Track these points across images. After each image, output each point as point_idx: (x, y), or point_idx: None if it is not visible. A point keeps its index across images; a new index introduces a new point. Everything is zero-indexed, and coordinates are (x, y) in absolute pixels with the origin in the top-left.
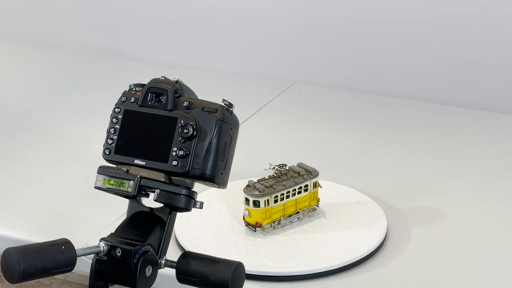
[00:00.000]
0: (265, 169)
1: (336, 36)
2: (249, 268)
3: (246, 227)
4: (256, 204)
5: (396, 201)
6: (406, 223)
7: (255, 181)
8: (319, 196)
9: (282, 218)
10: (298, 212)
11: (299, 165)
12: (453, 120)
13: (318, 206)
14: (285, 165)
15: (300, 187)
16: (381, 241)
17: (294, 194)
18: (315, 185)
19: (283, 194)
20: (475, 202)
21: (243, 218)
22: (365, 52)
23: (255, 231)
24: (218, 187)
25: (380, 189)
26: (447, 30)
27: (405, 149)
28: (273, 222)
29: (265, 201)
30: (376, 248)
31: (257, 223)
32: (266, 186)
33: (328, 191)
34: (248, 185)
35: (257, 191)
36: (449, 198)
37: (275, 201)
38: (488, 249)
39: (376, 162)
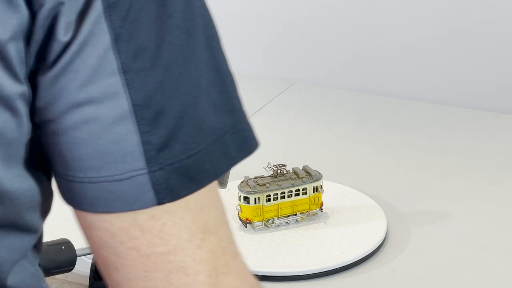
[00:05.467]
0: (263, 167)
1: (337, 36)
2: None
3: (243, 225)
4: (246, 200)
5: (396, 201)
6: (406, 223)
7: (251, 177)
8: (322, 200)
9: (276, 218)
10: (295, 214)
11: (304, 167)
12: (453, 120)
13: (321, 211)
14: (285, 165)
15: (298, 190)
16: (381, 241)
17: (291, 196)
18: (316, 189)
19: (277, 194)
20: (475, 202)
21: (237, 214)
22: (366, 52)
23: (246, 227)
24: (218, 187)
25: (380, 189)
26: (447, 30)
27: (405, 149)
28: (266, 221)
29: (255, 198)
30: (376, 248)
31: (247, 219)
32: (258, 184)
33: (328, 191)
34: (242, 181)
35: (248, 188)
36: (449, 198)
37: (268, 200)
38: (488, 249)
39: (376, 162)
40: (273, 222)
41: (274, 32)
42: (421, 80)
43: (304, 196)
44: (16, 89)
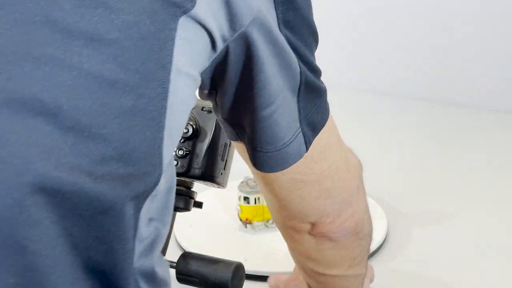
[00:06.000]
0: None
1: (336, 36)
2: (249, 268)
3: (243, 225)
4: (246, 200)
5: (397, 201)
6: (406, 223)
7: (251, 177)
8: None
9: None
10: None
11: None
12: (453, 120)
13: None
14: None
15: None
16: (381, 242)
17: None
18: None
19: None
20: (476, 202)
21: (238, 214)
22: (365, 52)
23: (246, 227)
24: (218, 187)
25: (380, 189)
26: (447, 30)
27: (405, 149)
28: (266, 221)
29: (255, 198)
30: (377, 249)
31: (247, 219)
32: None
33: None
34: (242, 181)
35: (248, 188)
36: (450, 198)
37: None
38: (489, 249)
39: (377, 162)
40: (273, 222)
41: None
42: (422, 80)
43: None
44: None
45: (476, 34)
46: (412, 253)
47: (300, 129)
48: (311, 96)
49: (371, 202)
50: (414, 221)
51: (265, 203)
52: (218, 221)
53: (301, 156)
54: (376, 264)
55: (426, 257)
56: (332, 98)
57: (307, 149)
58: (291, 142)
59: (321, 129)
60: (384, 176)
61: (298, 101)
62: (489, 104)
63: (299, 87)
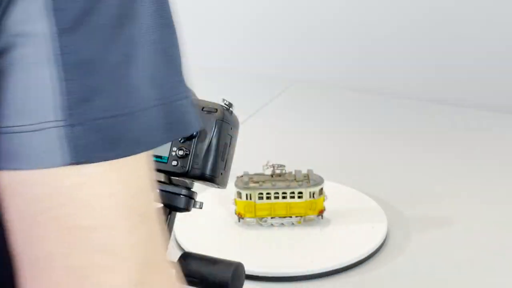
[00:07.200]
0: (263, 165)
1: (336, 36)
2: (249, 268)
3: (239, 223)
4: (239, 195)
5: (397, 202)
6: (407, 224)
7: (249, 173)
8: (325, 206)
9: (269, 218)
10: (291, 217)
11: (308, 171)
12: (454, 120)
13: (322, 218)
14: (283, 166)
15: (293, 192)
16: (381, 242)
17: (285, 197)
18: (313, 194)
19: (269, 193)
20: (476, 203)
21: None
22: (365, 52)
23: (239, 221)
24: (218, 187)
25: (381, 189)
26: (447, 30)
27: (406, 149)
28: (260, 219)
29: (247, 194)
30: (376, 249)
31: (239, 214)
32: (253, 181)
33: (328, 191)
34: (238, 176)
35: (241, 183)
36: (450, 199)
37: (260, 198)
38: (488, 250)
39: (377, 163)
40: (265, 221)
41: (275, 31)
42: (423, 81)
43: (300, 200)
44: None
45: (476, 33)
46: (412, 254)
47: (62, 123)
48: (116, 89)
49: (371, 203)
50: (415, 221)
51: (256, 200)
52: (219, 221)
53: (50, 165)
54: (376, 265)
55: (426, 258)
56: (333, 98)
57: (72, 158)
58: (29, 132)
59: (128, 152)
60: (385, 176)
61: (66, 81)
62: (489, 104)
63: (60, 61)
